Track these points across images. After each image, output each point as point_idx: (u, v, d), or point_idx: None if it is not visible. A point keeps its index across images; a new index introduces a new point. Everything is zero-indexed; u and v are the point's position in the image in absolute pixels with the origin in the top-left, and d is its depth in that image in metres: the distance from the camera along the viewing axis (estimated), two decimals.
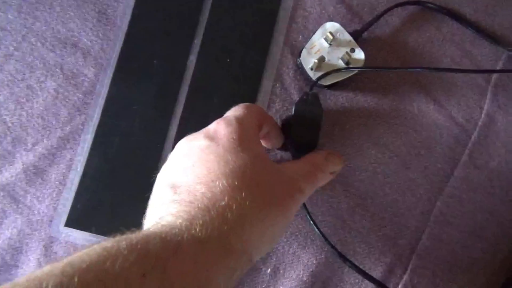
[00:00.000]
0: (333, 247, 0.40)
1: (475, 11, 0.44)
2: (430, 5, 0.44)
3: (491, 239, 0.41)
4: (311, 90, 0.41)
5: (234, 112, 0.32)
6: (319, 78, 0.41)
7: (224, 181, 0.26)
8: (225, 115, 0.32)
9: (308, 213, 0.40)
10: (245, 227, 0.26)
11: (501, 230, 0.41)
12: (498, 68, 0.43)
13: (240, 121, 0.30)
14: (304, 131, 0.39)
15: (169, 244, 0.23)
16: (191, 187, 0.27)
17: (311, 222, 0.40)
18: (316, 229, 0.40)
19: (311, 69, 0.41)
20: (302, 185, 0.31)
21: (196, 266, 0.23)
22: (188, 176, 0.28)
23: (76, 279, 0.19)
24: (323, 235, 0.40)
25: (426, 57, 0.44)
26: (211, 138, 0.29)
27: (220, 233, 0.24)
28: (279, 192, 0.29)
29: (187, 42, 0.44)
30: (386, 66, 0.44)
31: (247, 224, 0.26)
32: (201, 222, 0.24)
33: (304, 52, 0.42)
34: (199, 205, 0.25)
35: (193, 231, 0.24)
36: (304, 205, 0.40)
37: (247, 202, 0.26)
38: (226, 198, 0.26)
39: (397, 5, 0.43)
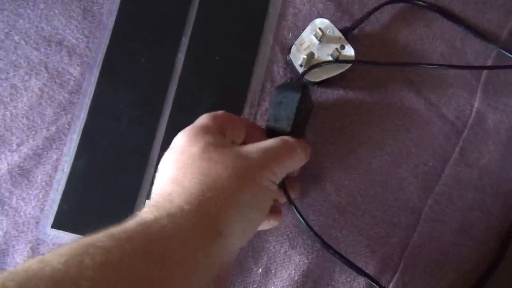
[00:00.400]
0: (324, 242, 0.38)
1: (464, 8, 0.44)
2: (419, 2, 0.44)
3: (482, 237, 0.41)
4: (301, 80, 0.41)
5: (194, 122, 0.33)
6: (306, 71, 0.40)
7: (180, 177, 0.28)
8: None
9: (299, 212, 0.39)
10: (204, 212, 0.26)
11: (491, 227, 0.41)
12: (488, 65, 0.43)
13: (191, 126, 0.31)
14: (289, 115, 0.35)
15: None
16: (161, 191, 0.28)
17: (302, 221, 0.40)
18: (308, 227, 0.39)
19: (301, 65, 0.41)
20: (266, 165, 0.30)
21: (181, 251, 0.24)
22: (157, 185, 0.29)
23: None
24: (314, 232, 0.39)
25: (416, 54, 0.43)
26: (169, 148, 0.31)
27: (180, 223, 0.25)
28: (240, 175, 0.28)
29: (175, 40, 0.43)
30: (376, 61, 0.43)
31: (204, 210, 0.26)
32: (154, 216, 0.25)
33: (293, 48, 0.41)
34: (160, 207, 0.26)
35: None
36: (295, 204, 0.39)
37: (199, 190, 0.27)
38: (184, 191, 0.27)
39: (387, 3, 0.43)
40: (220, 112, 0.33)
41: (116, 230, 0.24)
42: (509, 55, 0.42)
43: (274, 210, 0.35)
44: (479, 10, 0.44)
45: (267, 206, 0.30)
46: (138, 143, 0.42)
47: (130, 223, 0.24)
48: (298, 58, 0.41)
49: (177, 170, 0.28)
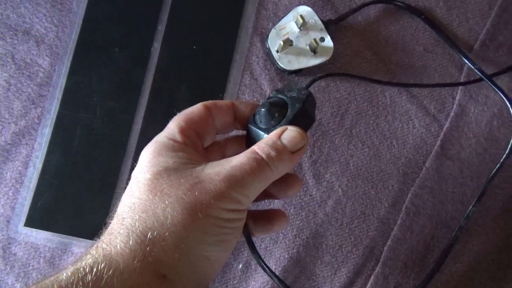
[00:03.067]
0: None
1: (446, 16, 0.43)
2: (401, 4, 0.43)
3: (462, 230, 0.41)
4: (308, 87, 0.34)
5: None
6: (311, 84, 0.33)
7: (132, 208, 0.26)
8: None
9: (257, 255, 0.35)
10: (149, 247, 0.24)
11: (471, 220, 0.41)
12: (471, 55, 0.42)
13: (156, 139, 0.29)
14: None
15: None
16: (120, 212, 0.27)
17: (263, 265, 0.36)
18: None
19: (277, 51, 0.40)
20: (226, 193, 0.25)
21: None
22: (123, 199, 0.28)
23: None
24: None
25: (399, 46, 0.43)
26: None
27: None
28: (190, 211, 0.25)
29: (150, 28, 0.41)
30: (348, 73, 0.42)
31: (153, 245, 0.24)
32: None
33: (272, 32, 0.40)
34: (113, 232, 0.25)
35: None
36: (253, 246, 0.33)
37: (143, 229, 0.25)
38: (130, 222, 0.25)
39: (373, 2, 0.42)
40: (196, 110, 0.30)
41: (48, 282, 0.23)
42: (478, 72, 0.41)
43: (276, 214, 0.32)
44: (459, 20, 0.43)
45: (228, 239, 0.27)
46: (114, 136, 0.40)
47: (65, 275, 0.23)
48: (275, 43, 0.40)
49: (132, 198, 0.26)
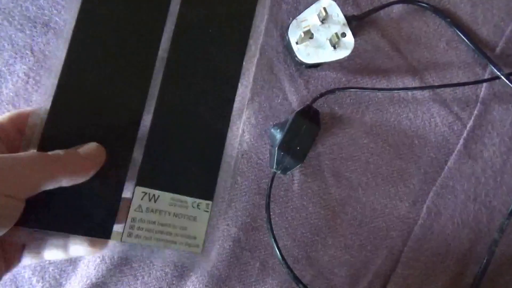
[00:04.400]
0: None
1: (470, 18, 0.42)
2: (426, 5, 0.42)
3: (484, 230, 0.40)
4: (313, 103, 0.40)
5: None
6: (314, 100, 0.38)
7: None
8: None
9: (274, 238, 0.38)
10: None
11: (493, 221, 0.40)
12: (495, 53, 0.42)
13: None
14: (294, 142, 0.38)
15: None
16: None
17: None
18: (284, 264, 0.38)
19: (297, 43, 0.39)
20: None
21: None
22: None
23: None
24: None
25: (421, 43, 0.42)
26: None
27: None
28: None
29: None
30: (360, 87, 0.41)
31: None
32: None
33: (293, 23, 0.39)
34: None
35: None
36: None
37: None
38: None
39: (398, 1, 0.42)
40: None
41: None
42: (498, 72, 0.41)
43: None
44: (483, 16, 0.43)
45: None
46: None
47: None
48: (295, 34, 0.39)
49: None
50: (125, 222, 0.30)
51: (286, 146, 0.38)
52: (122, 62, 0.32)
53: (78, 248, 0.30)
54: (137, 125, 0.31)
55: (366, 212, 0.40)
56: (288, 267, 0.37)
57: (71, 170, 0.27)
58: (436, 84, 0.41)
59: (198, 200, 0.32)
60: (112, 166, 0.30)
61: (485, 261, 0.39)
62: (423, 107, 0.41)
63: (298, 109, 0.39)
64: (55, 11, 0.39)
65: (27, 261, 0.31)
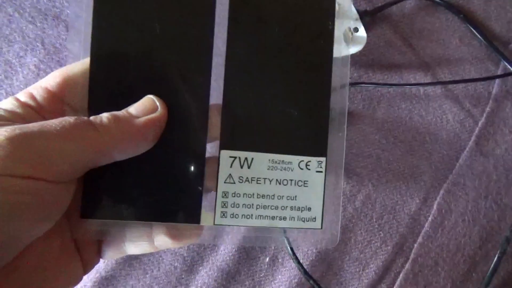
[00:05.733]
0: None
1: (485, 15, 0.42)
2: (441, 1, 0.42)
3: (495, 228, 0.40)
4: None
5: None
6: None
7: None
8: None
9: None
10: None
11: (504, 219, 0.40)
12: (509, 49, 0.41)
13: None
14: None
15: None
16: None
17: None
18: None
19: None
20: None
21: None
22: None
23: None
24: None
25: (434, 38, 0.41)
26: None
27: None
28: None
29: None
30: (374, 82, 0.41)
31: None
32: None
33: None
34: None
35: None
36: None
37: None
38: None
39: None
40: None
41: None
42: (511, 68, 0.40)
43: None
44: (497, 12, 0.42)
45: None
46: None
47: None
48: None
49: None
50: (215, 198, 0.24)
51: None
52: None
53: (164, 239, 0.24)
54: (209, 66, 0.23)
55: (376, 208, 0.40)
56: (299, 262, 0.37)
57: (122, 137, 0.21)
58: (448, 80, 0.41)
59: (306, 158, 0.25)
60: (183, 125, 0.23)
61: (496, 259, 0.39)
62: (434, 104, 0.41)
63: None
64: (66, 4, 0.39)
65: (109, 256, 0.26)
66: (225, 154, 0.24)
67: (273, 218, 0.24)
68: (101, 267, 0.38)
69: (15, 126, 0.19)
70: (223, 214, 0.24)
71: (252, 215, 0.24)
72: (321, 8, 0.26)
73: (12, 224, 0.18)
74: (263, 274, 0.39)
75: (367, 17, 0.40)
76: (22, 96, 0.22)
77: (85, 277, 0.37)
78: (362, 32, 0.39)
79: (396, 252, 0.40)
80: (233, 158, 0.24)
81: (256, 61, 0.24)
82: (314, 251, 0.39)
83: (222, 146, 0.24)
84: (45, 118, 0.21)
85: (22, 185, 0.18)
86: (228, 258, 0.38)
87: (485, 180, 0.40)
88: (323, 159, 0.25)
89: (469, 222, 0.40)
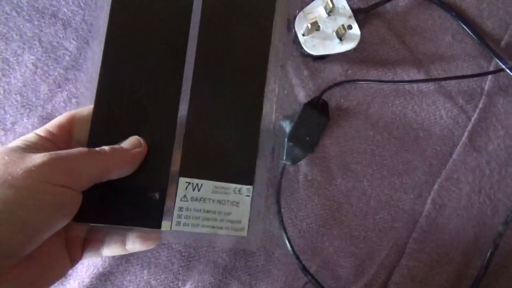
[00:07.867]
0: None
1: (477, 13, 0.43)
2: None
3: (488, 223, 0.41)
4: (322, 95, 0.40)
5: None
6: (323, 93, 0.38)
7: None
8: None
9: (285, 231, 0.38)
10: None
11: (497, 213, 0.41)
12: (501, 46, 0.42)
13: None
14: (303, 134, 0.39)
15: None
16: None
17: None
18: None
19: (303, 34, 0.39)
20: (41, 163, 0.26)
21: None
22: None
23: None
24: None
25: (427, 35, 0.42)
26: None
27: None
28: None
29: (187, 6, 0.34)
30: (369, 79, 0.42)
31: None
32: None
33: (300, 15, 0.40)
34: None
35: None
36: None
37: None
38: None
39: None
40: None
41: None
42: (503, 65, 0.41)
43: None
44: (489, 10, 0.43)
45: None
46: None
47: None
48: (301, 26, 0.39)
49: None
50: (173, 212, 0.32)
51: (295, 137, 0.38)
52: (155, 58, 0.33)
53: (135, 241, 0.32)
54: (175, 117, 0.33)
55: (371, 203, 0.40)
56: (298, 257, 0.38)
57: (118, 162, 0.30)
58: (441, 77, 0.42)
59: (239, 186, 0.34)
60: (155, 157, 0.32)
61: (489, 253, 0.40)
62: (428, 100, 0.41)
63: (308, 101, 0.40)
64: (63, 2, 0.40)
65: (88, 257, 0.33)
66: (183, 180, 0.33)
67: (213, 227, 0.33)
68: (99, 263, 0.38)
69: (48, 152, 0.26)
70: (178, 223, 0.32)
71: (199, 224, 0.33)
72: (255, 60, 0.36)
73: (54, 215, 0.26)
74: (259, 269, 0.39)
75: (361, 14, 0.40)
76: (42, 132, 0.30)
77: (83, 273, 0.37)
78: (355, 30, 0.40)
79: (391, 247, 0.40)
80: (188, 183, 0.33)
81: (212, 109, 0.33)
82: (309, 246, 0.39)
83: (181, 174, 0.33)
84: (59, 148, 0.29)
85: (59, 190, 0.26)
86: (224, 254, 0.39)
87: (478, 175, 0.41)
88: (250, 187, 0.34)
89: (463, 217, 0.41)
